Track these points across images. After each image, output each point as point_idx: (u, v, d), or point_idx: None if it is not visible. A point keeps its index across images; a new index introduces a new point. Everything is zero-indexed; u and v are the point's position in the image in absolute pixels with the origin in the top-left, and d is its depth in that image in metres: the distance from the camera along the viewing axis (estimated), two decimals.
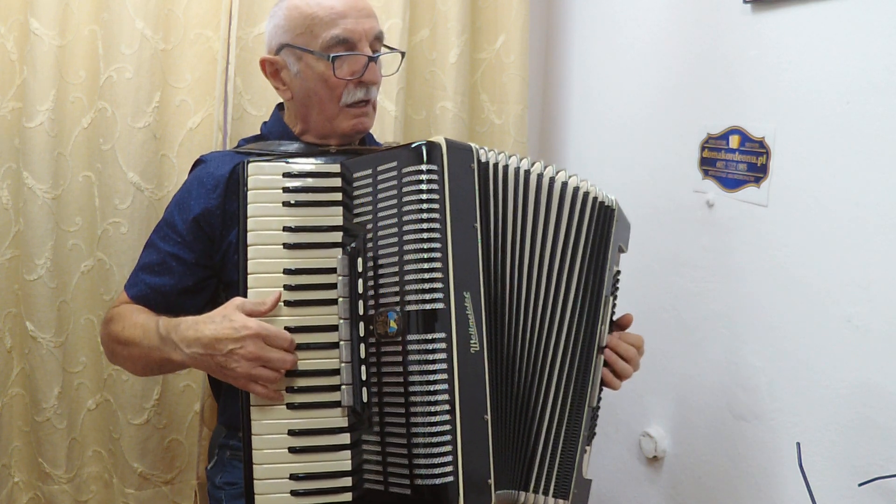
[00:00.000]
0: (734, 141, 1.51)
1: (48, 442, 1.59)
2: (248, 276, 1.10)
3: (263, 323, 1.06)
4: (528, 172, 1.17)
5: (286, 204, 1.11)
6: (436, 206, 1.06)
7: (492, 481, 1.07)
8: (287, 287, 1.09)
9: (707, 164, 1.58)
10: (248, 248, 1.10)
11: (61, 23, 1.50)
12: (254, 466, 1.07)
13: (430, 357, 1.03)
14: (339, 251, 1.11)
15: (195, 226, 1.23)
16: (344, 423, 1.09)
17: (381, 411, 1.06)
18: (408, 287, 1.04)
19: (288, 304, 1.09)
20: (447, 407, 1.03)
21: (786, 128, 1.41)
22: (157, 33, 1.54)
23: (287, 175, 1.12)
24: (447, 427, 1.03)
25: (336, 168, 1.14)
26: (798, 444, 1.34)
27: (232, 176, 1.22)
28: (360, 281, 1.09)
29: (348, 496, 1.08)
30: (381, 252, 1.07)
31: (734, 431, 1.53)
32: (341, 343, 1.09)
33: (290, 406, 1.08)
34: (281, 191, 1.11)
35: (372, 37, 1.25)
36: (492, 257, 1.13)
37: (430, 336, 1.03)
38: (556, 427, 1.18)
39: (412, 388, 1.03)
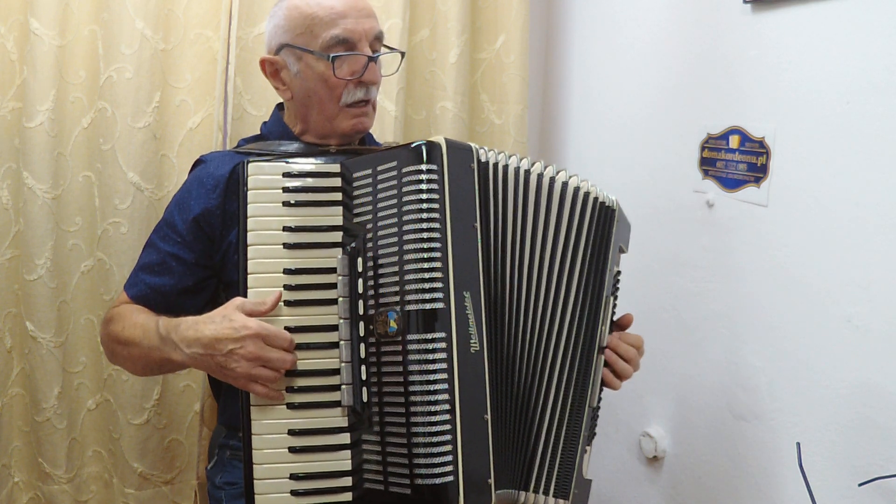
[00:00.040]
0: (734, 141, 1.51)
1: (48, 442, 1.59)
2: (248, 276, 1.10)
3: (263, 323, 1.06)
4: (528, 172, 1.17)
5: (286, 204, 1.11)
6: (436, 205, 1.06)
7: (492, 481, 1.07)
8: (287, 287, 1.09)
9: (707, 164, 1.58)
10: (248, 248, 1.10)
11: (61, 23, 1.50)
12: (254, 466, 1.07)
13: (430, 357, 1.03)
14: (339, 251, 1.11)
15: (195, 226, 1.23)
16: (344, 422, 1.09)
17: (381, 411, 1.06)
18: (408, 287, 1.04)
19: (288, 303, 1.09)
20: (447, 407, 1.03)
21: (786, 128, 1.41)
22: (157, 33, 1.54)
23: (287, 175, 1.12)
24: (447, 427, 1.03)
25: (336, 168, 1.14)
26: (798, 444, 1.34)
27: (232, 176, 1.22)
28: (360, 281, 1.09)
29: (348, 496, 1.08)
30: (381, 252, 1.07)
31: (734, 431, 1.53)
32: (341, 343, 1.09)
33: (291, 406, 1.08)
34: (281, 191, 1.11)
35: (372, 37, 1.25)
36: (492, 257, 1.13)
37: (430, 336, 1.03)
38: (557, 427, 1.18)
39: (412, 388, 1.03)
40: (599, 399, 1.28)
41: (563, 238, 1.20)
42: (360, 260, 1.09)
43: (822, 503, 1.31)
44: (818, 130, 1.35)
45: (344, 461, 1.08)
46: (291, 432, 1.08)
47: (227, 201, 1.22)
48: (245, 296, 1.09)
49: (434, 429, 1.02)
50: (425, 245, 1.04)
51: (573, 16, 1.98)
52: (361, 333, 1.08)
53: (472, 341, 1.07)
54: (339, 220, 1.12)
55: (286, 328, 1.08)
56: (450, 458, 1.02)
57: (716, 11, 1.54)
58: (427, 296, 1.04)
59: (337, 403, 1.09)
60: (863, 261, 1.28)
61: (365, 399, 1.08)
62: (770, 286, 1.44)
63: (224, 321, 1.06)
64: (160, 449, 1.63)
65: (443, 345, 1.03)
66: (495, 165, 1.15)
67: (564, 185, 1.20)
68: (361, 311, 1.09)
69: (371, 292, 1.08)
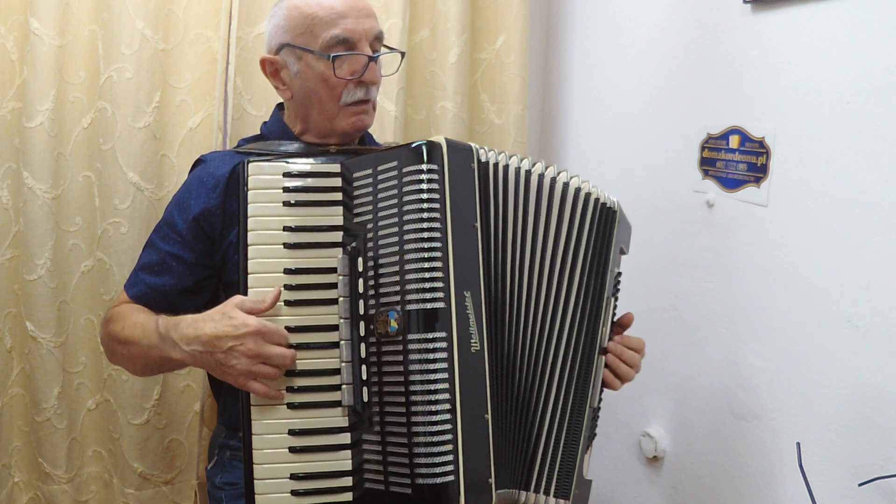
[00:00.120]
0: (734, 141, 1.51)
1: (48, 442, 1.59)
2: (249, 276, 1.10)
3: (263, 321, 1.06)
4: (528, 173, 1.17)
5: (286, 204, 1.11)
6: (436, 205, 1.06)
7: (492, 481, 1.07)
8: (287, 287, 1.09)
9: (707, 164, 1.58)
10: (249, 248, 1.10)
11: (61, 23, 1.50)
12: (254, 466, 1.07)
13: (431, 356, 1.03)
14: (339, 251, 1.11)
15: (195, 225, 1.23)
16: (344, 422, 1.09)
17: (382, 411, 1.06)
18: (408, 286, 1.04)
19: (288, 303, 1.09)
20: (448, 406, 1.03)
21: (786, 128, 1.41)
22: (157, 33, 1.54)
23: (287, 175, 1.12)
24: (448, 426, 1.03)
25: (336, 168, 1.14)
26: (798, 444, 1.34)
27: (232, 176, 1.22)
28: (361, 280, 1.09)
29: (349, 496, 1.08)
30: (381, 251, 1.07)
31: (734, 431, 1.53)
32: (342, 342, 1.09)
33: (291, 406, 1.08)
34: (281, 190, 1.11)
35: (372, 37, 1.25)
36: (492, 257, 1.13)
37: (430, 335, 1.03)
38: (557, 427, 1.18)
39: (413, 388, 1.03)
40: (600, 399, 1.28)
41: (564, 238, 1.20)
42: (360, 260, 1.09)
43: (822, 503, 1.31)
44: (818, 130, 1.35)
45: (344, 461, 1.08)
46: (292, 432, 1.07)
47: (227, 201, 1.22)
48: (245, 295, 1.09)
49: (434, 428, 1.02)
50: (426, 245, 1.05)
51: (573, 16, 1.98)
52: (362, 333, 1.08)
53: (472, 341, 1.07)
54: (339, 220, 1.12)
55: (286, 328, 1.08)
56: (450, 457, 1.02)
57: (716, 11, 1.54)
58: (427, 295, 1.04)
59: (337, 403, 1.09)
60: (863, 261, 1.28)
61: (365, 399, 1.07)
62: (770, 286, 1.44)
63: (224, 319, 1.06)
64: (160, 449, 1.63)
65: (443, 344, 1.03)
66: (496, 165, 1.15)
67: (565, 185, 1.20)
68: (362, 311, 1.09)
69: (371, 292, 1.08)
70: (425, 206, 1.05)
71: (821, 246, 1.35)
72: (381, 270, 1.07)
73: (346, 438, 1.08)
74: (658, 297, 1.71)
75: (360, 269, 1.09)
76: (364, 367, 1.08)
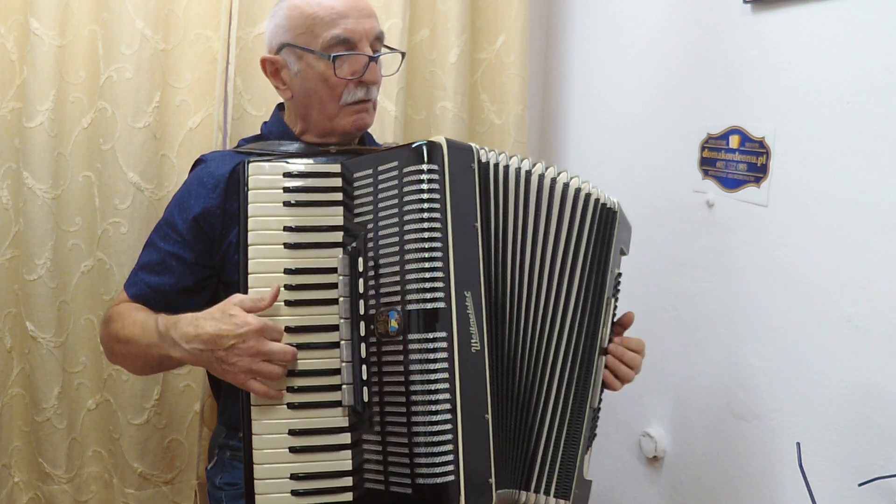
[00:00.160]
0: (734, 141, 1.51)
1: (48, 442, 1.59)
2: (249, 276, 1.10)
3: (265, 319, 1.06)
4: (528, 173, 1.17)
5: (287, 204, 1.11)
6: (437, 205, 1.06)
7: (492, 480, 1.07)
8: (287, 287, 1.09)
9: (707, 164, 1.58)
10: (249, 248, 1.10)
11: (61, 23, 1.50)
12: (254, 466, 1.07)
13: (431, 356, 1.03)
14: (339, 251, 1.11)
15: (195, 225, 1.23)
16: (344, 422, 1.09)
17: (382, 410, 1.06)
18: (409, 286, 1.04)
19: (288, 303, 1.09)
20: (448, 406, 1.03)
21: (786, 128, 1.41)
22: (157, 33, 1.54)
23: (287, 175, 1.12)
24: (448, 426, 1.03)
25: (336, 168, 1.14)
26: (798, 444, 1.34)
27: (232, 175, 1.22)
28: (361, 280, 1.09)
29: (349, 496, 1.08)
30: (381, 251, 1.07)
31: (734, 431, 1.53)
32: (342, 342, 1.09)
33: (291, 406, 1.08)
34: (281, 191, 1.11)
35: (372, 37, 1.26)
36: (492, 257, 1.13)
37: (430, 335, 1.03)
38: (558, 427, 1.18)
39: (413, 388, 1.03)
40: (600, 400, 1.28)
41: (564, 239, 1.20)
42: (360, 260, 1.10)
43: (822, 503, 1.31)
44: (818, 130, 1.35)
45: (344, 461, 1.08)
46: (292, 432, 1.08)
47: (227, 201, 1.22)
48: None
49: (435, 428, 1.02)
50: (426, 245, 1.05)
51: (573, 16, 1.98)
52: (362, 333, 1.08)
53: (472, 341, 1.07)
54: (339, 220, 1.12)
55: (286, 328, 1.08)
56: (451, 457, 1.02)
57: (716, 11, 1.54)
58: (428, 295, 1.04)
59: (338, 403, 1.09)
60: (863, 261, 1.28)
61: (366, 399, 1.08)
62: (770, 286, 1.44)
63: (224, 317, 1.06)
64: (160, 449, 1.63)
65: (444, 344, 1.03)
66: (496, 166, 1.15)
67: (566, 186, 1.20)
68: (362, 311, 1.09)
69: (372, 292, 1.08)
70: (426, 206, 1.05)
71: (821, 246, 1.35)
72: (382, 270, 1.07)
73: (346, 438, 1.08)
74: (658, 297, 1.71)
75: (361, 269, 1.09)
76: (364, 367, 1.08)
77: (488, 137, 1.90)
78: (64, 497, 1.62)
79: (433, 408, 1.02)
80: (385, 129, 1.73)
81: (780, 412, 1.43)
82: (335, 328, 1.10)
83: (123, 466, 1.61)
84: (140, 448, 1.60)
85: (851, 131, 1.29)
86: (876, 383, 1.27)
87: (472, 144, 1.14)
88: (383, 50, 1.30)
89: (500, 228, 1.14)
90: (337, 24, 1.22)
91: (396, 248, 1.06)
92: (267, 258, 1.10)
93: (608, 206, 1.25)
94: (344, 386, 1.08)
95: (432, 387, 1.03)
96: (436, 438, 1.02)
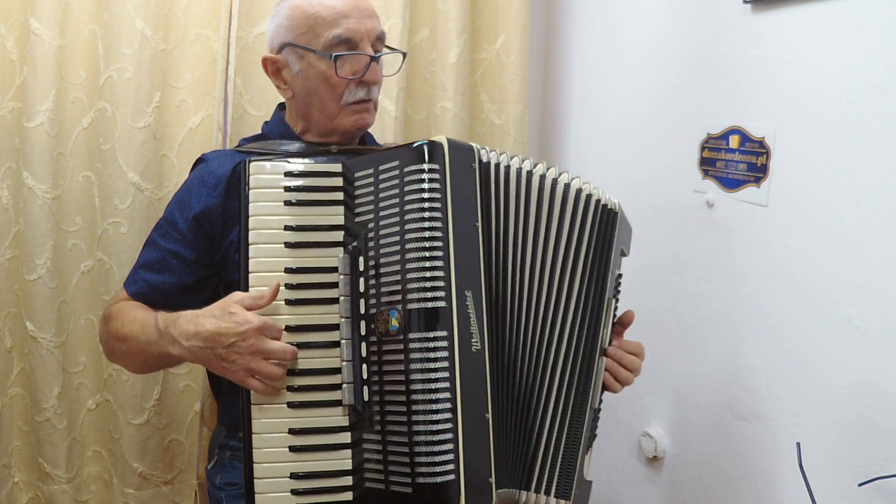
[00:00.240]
0: (734, 141, 1.51)
1: (48, 442, 1.59)
2: (250, 275, 1.10)
3: (265, 317, 1.06)
4: (529, 174, 1.18)
5: (287, 203, 1.11)
6: (437, 204, 1.06)
7: (493, 480, 1.07)
8: (288, 286, 1.09)
9: (707, 164, 1.58)
10: (250, 247, 1.10)
11: (61, 23, 1.50)
12: (254, 465, 1.07)
13: (432, 355, 1.03)
14: (340, 250, 1.11)
15: (195, 224, 1.23)
16: (345, 421, 1.09)
17: (382, 410, 1.06)
18: (409, 285, 1.04)
19: (289, 302, 1.09)
20: (448, 405, 1.03)
21: (786, 128, 1.41)
22: (157, 33, 1.54)
23: (288, 174, 1.12)
24: (448, 425, 1.03)
25: (337, 168, 1.14)
26: (798, 444, 1.34)
27: (233, 175, 1.22)
28: (362, 280, 1.09)
29: (349, 495, 1.08)
30: (382, 251, 1.07)
31: (734, 431, 1.53)
32: (342, 342, 1.09)
33: (291, 405, 1.08)
34: (282, 190, 1.12)
35: (374, 37, 1.26)
36: (493, 257, 1.13)
37: (431, 334, 1.03)
38: (558, 427, 1.18)
39: (413, 387, 1.03)
40: (600, 401, 1.28)
41: (565, 239, 1.20)
42: (361, 259, 1.10)
43: (822, 503, 1.31)
44: (818, 130, 1.35)
45: (344, 460, 1.08)
46: (292, 431, 1.07)
47: (228, 200, 1.22)
48: None
49: (435, 427, 1.02)
50: (427, 244, 1.05)
51: (573, 16, 1.98)
52: (363, 332, 1.08)
53: (473, 340, 1.07)
54: (340, 220, 1.12)
55: (287, 327, 1.08)
56: (451, 456, 1.02)
57: (716, 11, 1.54)
58: (428, 294, 1.04)
59: (338, 402, 1.09)
60: (863, 261, 1.28)
61: (366, 398, 1.08)
62: (770, 286, 1.44)
63: (224, 315, 1.06)
64: (160, 449, 1.63)
65: (444, 343, 1.04)
66: (497, 166, 1.15)
67: (567, 186, 1.20)
68: (363, 310, 1.09)
69: (372, 291, 1.08)
70: (426, 205, 1.05)
71: (821, 246, 1.35)
72: (382, 269, 1.07)
73: (346, 438, 1.08)
74: (658, 297, 1.71)
75: (361, 268, 1.09)
76: (365, 367, 1.08)
77: (488, 137, 1.90)
78: (64, 497, 1.62)
79: (433, 407, 1.02)
80: (385, 129, 1.73)
81: (780, 412, 1.43)
82: (336, 327, 1.10)
83: (123, 466, 1.61)
84: (140, 448, 1.60)
85: (851, 131, 1.29)
86: (876, 383, 1.27)
87: (473, 144, 1.14)
88: (384, 50, 1.30)
89: (501, 228, 1.15)
90: (338, 24, 1.22)
91: (397, 248, 1.06)
92: (268, 257, 1.10)
93: (609, 206, 1.25)
94: (344, 385, 1.08)
95: (433, 386, 1.03)
96: (436, 438, 1.02)
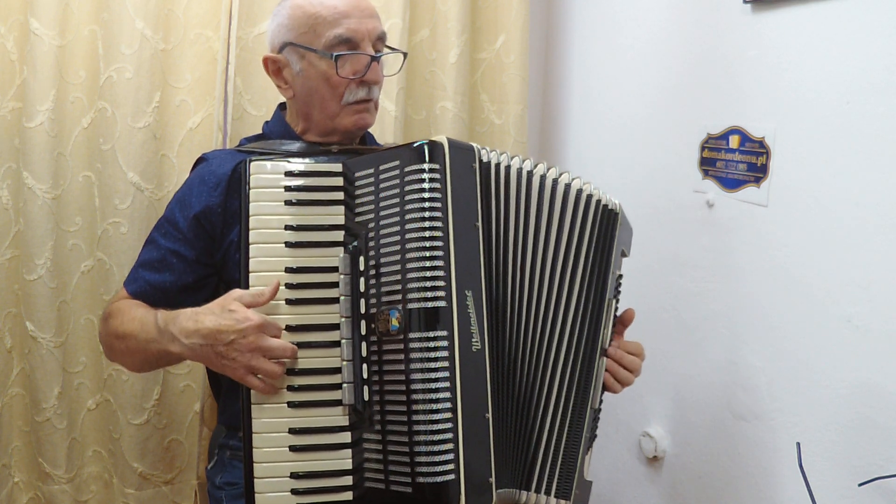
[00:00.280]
0: (734, 141, 1.51)
1: (48, 442, 1.59)
2: (250, 275, 1.10)
3: (264, 315, 1.06)
4: (530, 174, 1.18)
5: (288, 203, 1.11)
6: (438, 204, 1.06)
7: (493, 480, 1.07)
8: (289, 285, 1.09)
9: (707, 164, 1.58)
10: (250, 247, 1.10)
11: (61, 23, 1.50)
12: (254, 465, 1.07)
13: (432, 355, 1.03)
14: (340, 250, 1.11)
15: (196, 223, 1.23)
16: (345, 421, 1.09)
17: (383, 409, 1.06)
18: (410, 285, 1.04)
19: (289, 302, 1.09)
20: (448, 405, 1.03)
21: (786, 128, 1.41)
22: (157, 33, 1.54)
23: (289, 174, 1.12)
24: (448, 425, 1.03)
25: (338, 167, 1.14)
26: (798, 444, 1.34)
27: (234, 174, 1.22)
28: (362, 279, 1.09)
29: (349, 495, 1.08)
30: (382, 250, 1.07)
31: (734, 431, 1.53)
32: (343, 341, 1.09)
33: (291, 404, 1.08)
34: (283, 190, 1.12)
35: (374, 37, 1.26)
36: (493, 257, 1.13)
37: (431, 334, 1.03)
38: (559, 427, 1.18)
39: (413, 386, 1.03)
40: (601, 401, 1.28)
41: (566, 240, 1.20)
42: (361, 259, 1.10)
43: (822, 503, 1.32)
44: (818, 130, 1.35)
45: (345, 460, 1.08)
46: (292, 431, 1.07)
47: (228, 199, 1.22)
48: None
49: (435, 427, 1.02)
50: (427, 244, 1.05)
51: (573, 16, 1.98)
52: (363, 332, 1.08)
53: (473, 340, 1.07)
54: (340, 220, 1.12)
55: (287, 327, 1.08)
56: (451, 456, 1.02)
57: (716, 11, 1.54)
58: (429, 294, 1.04)
59: (338, 402, 1.09)
60: (863, 261, 1.28)
61: (366, 398, 1.08)
62: (770, 286, 1.44)
63: (224, 312, 1.06)
64: (160, 449, 1.63)
65: (444, 343, 1.04)
66: (497, 166, 1.15)
67: (567, 187, 1.20)
68: (363, 310, 1.09)
69: (373, 291, 1.08)
70: (427, 205, 1.05)
71: (821, 246, 1.35)
72: (383, 269, 1.07)
73: (346, 437, 1.08)
74: (658, 297, 1.71)
75: (362, 267, 1.09)
76: (365, 366, 1.08)
77: (488, 137, 1.90)
78: (64, 497, 1.62)
79: (434, 406, 1.02)
80: (385, 129, 1.73)
81: (780, 412, 1.43)
82: (336, 327, 1.10)
83: (123, 466, 1.61)
84: (140, 448, 1.60)
85: (851, 131, 1.29)
86: (876, 383, 1.27)
87: (474, 144, 1.14)
88: (385, 50, 1.30)
89: (501, 228, 1.15)
90: (339, 24, 1.23)
91: (397, 247, 1.06)
92: (268, 257, 1.10)
93: (609, 207, 1.25)
94: (344, 385, 1.08)
95: (433, 385, 1.03)
96: (436, 437, 1.02)
